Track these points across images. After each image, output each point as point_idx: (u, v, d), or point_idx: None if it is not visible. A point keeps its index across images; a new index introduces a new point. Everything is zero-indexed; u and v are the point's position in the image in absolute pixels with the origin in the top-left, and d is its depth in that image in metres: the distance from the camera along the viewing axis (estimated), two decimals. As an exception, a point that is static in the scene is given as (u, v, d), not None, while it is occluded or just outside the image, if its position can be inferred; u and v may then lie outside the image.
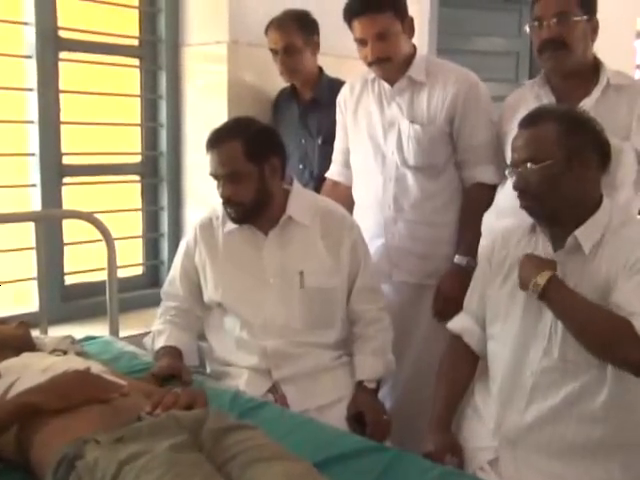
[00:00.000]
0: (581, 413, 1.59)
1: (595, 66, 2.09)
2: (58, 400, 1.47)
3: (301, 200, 2.05)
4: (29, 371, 1.64)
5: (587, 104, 1.98)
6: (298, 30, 2.62)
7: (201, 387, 1.87)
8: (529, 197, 1.64)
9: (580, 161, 1.59)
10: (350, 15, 2.19)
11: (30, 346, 1.90)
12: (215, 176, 1.95)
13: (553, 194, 1.60)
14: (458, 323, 1.87)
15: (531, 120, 1.66)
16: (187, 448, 1.33)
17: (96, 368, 1.69)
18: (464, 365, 1.85)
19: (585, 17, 2.00)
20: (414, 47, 2.31)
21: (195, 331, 2.14)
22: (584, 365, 1.57)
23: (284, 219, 2.02)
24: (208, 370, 2.15)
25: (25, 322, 1.98)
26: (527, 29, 2.07)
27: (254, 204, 1.96)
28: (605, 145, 1.63)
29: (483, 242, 2.15)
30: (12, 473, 1.49)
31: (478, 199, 2.27)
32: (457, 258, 2.26)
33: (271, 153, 1.96)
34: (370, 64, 2.23)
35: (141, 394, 1.61)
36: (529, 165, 1.61)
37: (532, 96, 2.11)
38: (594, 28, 2.05)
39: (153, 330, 2.09)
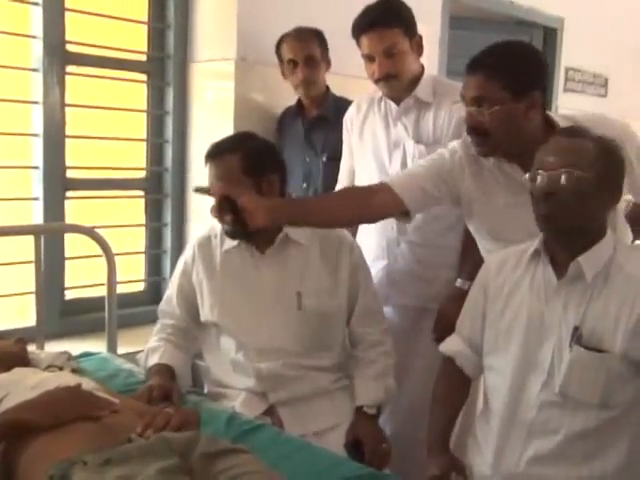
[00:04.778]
0: (583, 452, 1.54)
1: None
2: (47, 417, 1.43)
3: None
4: (19, 387, 1.60)
5: None
6: (318, 43, 2.62)
7: (197, 408, 1.83)
8: (556, 204, 1.54)
9: (605, 187, 1.55)
10: (358, 30, 2.17)
11: (24, 364, 1.87)
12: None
13: (579, 208, 1.53)
14: (451, 346, 1.82)
15: (571, 131, 1.61)
16: (176, 473, 1.29)
17: (88, 385, 1.65)
18: (457, 388, 1.81)
19: (512, 99, 1.73)
20: (422, 67, 2.29)
21: (191, 351, 2.11)
22: (585, 404, 1.53)
23: (281, 237, 1.99)
24: (205, 390, 2.12)
25: (23, 339, 1.95)
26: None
27: None
28: (622, 179, 1.59)
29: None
30: (-3, 493, 1.46)
31: None
32: (459, 282, 2.22)
33: (269, 169, 1.94)
34: (377, 81, 2.20)
35: (133, 413, 1.57)
36: (561, 172, 1.52)
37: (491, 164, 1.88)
38: (532, 105, 1.75)
39: (147, 347, 2.06)
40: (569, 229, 1.57)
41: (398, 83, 2.20)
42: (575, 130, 1.62)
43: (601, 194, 1.54)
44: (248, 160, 1.90)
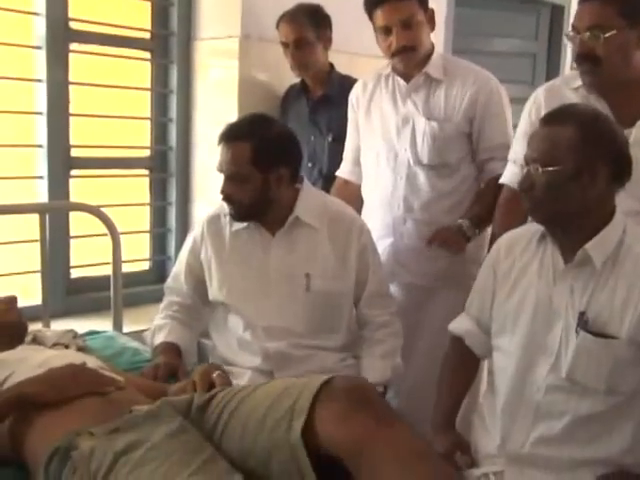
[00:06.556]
0: (589, 435, 1.54)
1: None
2: (53, 392, 1.45)
3: (310, 201, 2.01)
4: (24, 365, 1.61)
5: None
6: (309, 24, 2.58)
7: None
8: (531, 199, 1.57)
9: (590, 173, 1.50)
10: (372, 3, 2.14)
11: (21, 330, 1.85)
12: (221, 171, 1.93)
13: (555, 201, 1.53)
14: (460, 325, 1.82)
15: (552, 118, 1.57)
16: (183, 432, 1.33)
17: (93, 363, 1.66)
18: (466, 367, 1.81)
19: (628, 26, 1.77)
20: (432, 44, 2.27)
21: (197, 329, 2.11)
22: (591, 389, 1.52)
23: (291, 220, 1.97)
24: (210, 368, 2.12)
25: (14, 297, 1.90)
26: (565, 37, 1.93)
27: (252, 207, 1.92)
28: (624, 158, 1.54)
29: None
30: (5, 468, 1.47)
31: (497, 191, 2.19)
32: (461, 220, 2.21)
33: (280, 163, 1.90)
34: (394, 54, 2.18)
35: (137, 389, 1.59)
36: (536, 167, 1.54)
37: (578, 99, 1.89)
38: None
39: (154, 325, 2.06)
40: (556, 220, 1.56)
41: (415, 56, 2.19)
42: (558, 114, 1.58)
43: (582, 180, 1.50)
44: (259, 151, 1.86)
